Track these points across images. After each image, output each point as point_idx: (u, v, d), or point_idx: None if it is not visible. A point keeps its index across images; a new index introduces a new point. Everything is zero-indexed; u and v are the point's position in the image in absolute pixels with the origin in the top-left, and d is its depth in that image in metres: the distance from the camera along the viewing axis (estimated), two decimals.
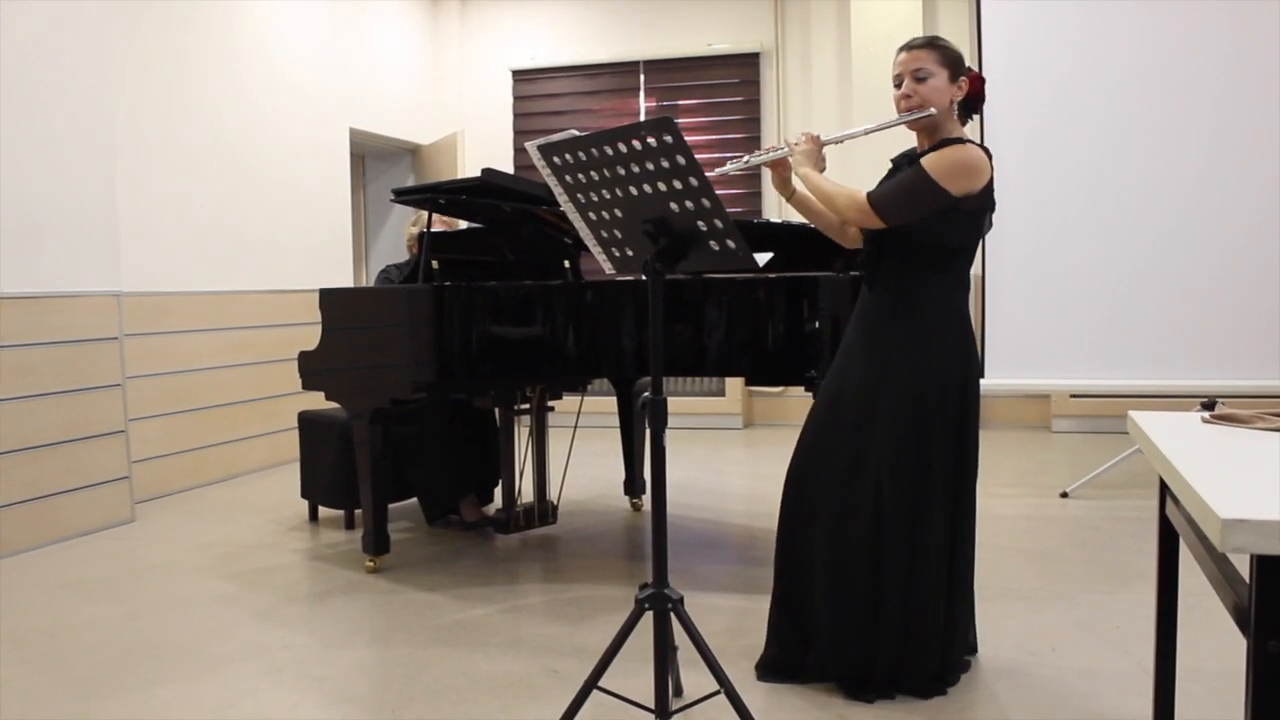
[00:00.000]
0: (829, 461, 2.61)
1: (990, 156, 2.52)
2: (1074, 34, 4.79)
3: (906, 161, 2.70)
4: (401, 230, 6.37)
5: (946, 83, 2.54)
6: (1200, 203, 4.66)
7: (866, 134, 2.71)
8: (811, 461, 2.65)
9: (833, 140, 2.61)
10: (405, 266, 4.63)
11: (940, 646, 2.60)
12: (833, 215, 2.70)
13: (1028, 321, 4.88)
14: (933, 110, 2.53)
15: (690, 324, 3.40)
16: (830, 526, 2.58)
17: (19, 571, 3.87)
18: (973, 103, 2.63)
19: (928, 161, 2.50)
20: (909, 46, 2.57)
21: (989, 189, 2.53)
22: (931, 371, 2.54)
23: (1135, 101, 4.71)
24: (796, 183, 2.68)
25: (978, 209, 2.54)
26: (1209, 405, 1.59)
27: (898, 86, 2.57)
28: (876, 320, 2.61)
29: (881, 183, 2.73)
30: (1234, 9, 4.59)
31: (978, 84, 2.61)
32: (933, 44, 2.56)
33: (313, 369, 3.92)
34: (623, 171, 2.18)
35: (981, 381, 4.88)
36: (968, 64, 2.61)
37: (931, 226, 2.50)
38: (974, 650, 2.81)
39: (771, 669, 2.70)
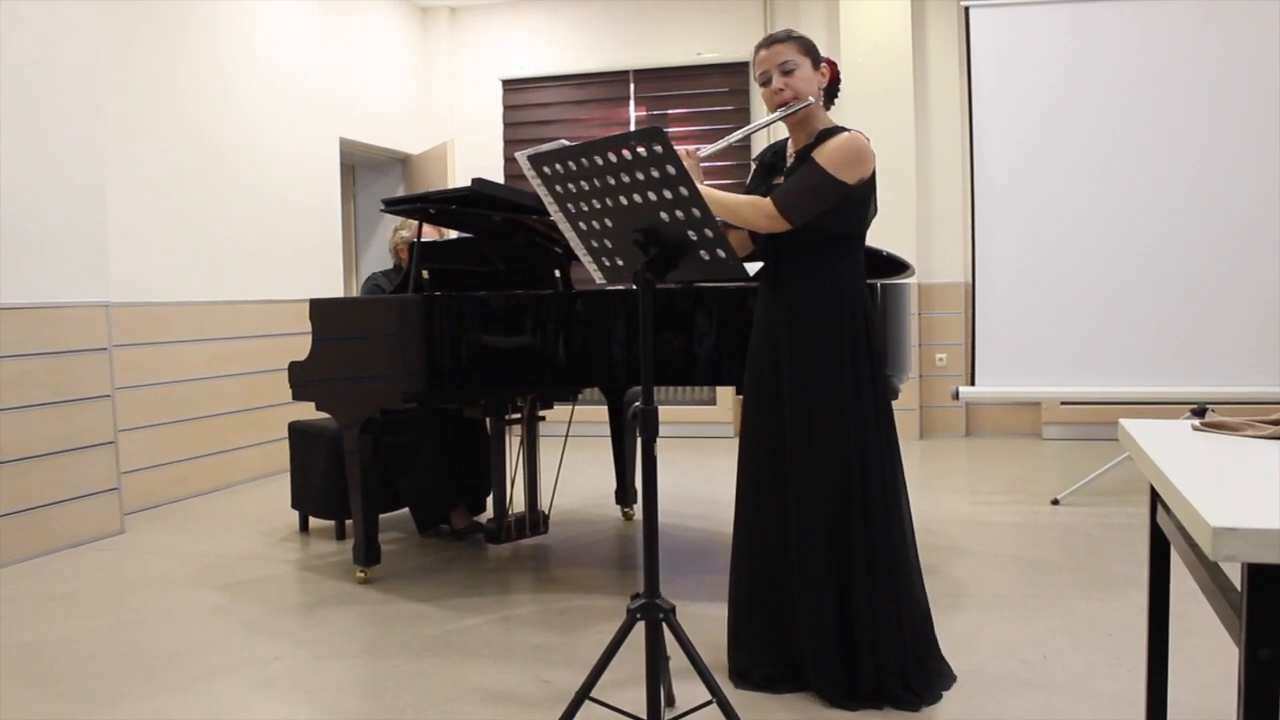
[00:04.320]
0: (778, 468, 2.65)
1: (868, 140, 2.57)
2: (1063, 42, 4.81)
3: (772, 155, 2.74)
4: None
5: (811, 71, 2.59)
6: (1190, 210, 4.68)
7: (745, 137, 2.73)
8: (760, 473, 2.70)
9: (712, 152, 2.56)
10: (392, 274, 4.62)
11: (918, 653, 2.60)
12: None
13: (1018, 329, 4.89)
14: (811, 100, 2.56)
15: (681, 333, 3.40)
16: (793, 529, 2.61)
17: (8, 584, 3.85)
18: (833, 89, 2.68)
19: (820, 155, 2.52)
20: (768, 43, 2.60)
21: (874, 173, 2.58)
22: (854, 355, 2.58)
23: (1125, 109, 4.73)
24: None
25: (866, 195, 2.59)
26: (1199, 413, 1.59)
27: (765, 84, 2.60)
28: (793, 316, 2.62)
29: (751, 181, 2.76)
30: (1224, 19, 4.62)
31: (835, 70, 2.67)
32: (790, 35, 2.61)
33: (303, 379, 3.91)
34: (613, 181, 2.18)
35: (973, 388, 4.97)
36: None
37: (825, 217, 2.53)
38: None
39: (743, 677, 2.70)
